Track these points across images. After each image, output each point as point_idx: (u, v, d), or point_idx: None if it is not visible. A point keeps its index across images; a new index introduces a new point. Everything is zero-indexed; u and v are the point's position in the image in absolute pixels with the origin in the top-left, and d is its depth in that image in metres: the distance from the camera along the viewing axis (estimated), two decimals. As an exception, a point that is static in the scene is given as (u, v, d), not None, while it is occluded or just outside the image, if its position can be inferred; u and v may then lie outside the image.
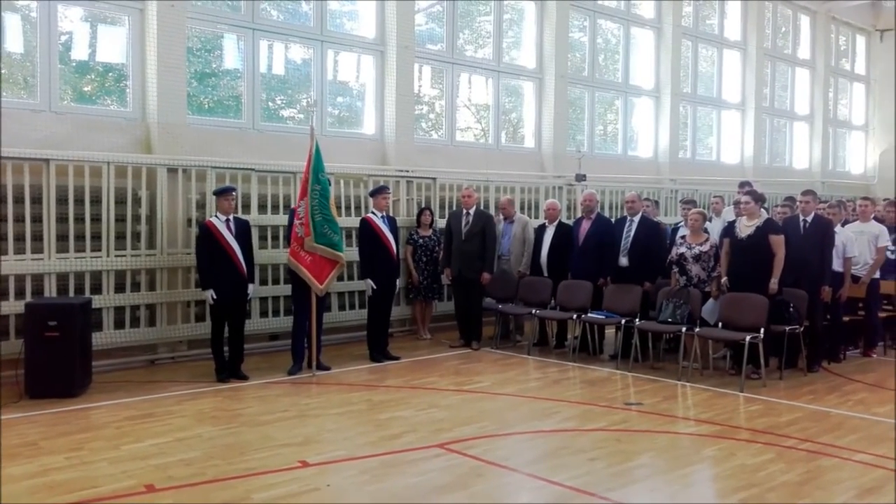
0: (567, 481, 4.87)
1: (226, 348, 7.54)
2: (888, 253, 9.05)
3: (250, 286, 7.64)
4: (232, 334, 7.54)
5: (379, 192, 8.59)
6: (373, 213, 8.51)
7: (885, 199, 10.99)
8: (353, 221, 9.05)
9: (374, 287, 8.35)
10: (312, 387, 7.37)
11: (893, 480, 4.94)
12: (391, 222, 8.58)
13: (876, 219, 9.29)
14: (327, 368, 7.92)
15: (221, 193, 7.51)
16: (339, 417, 6.28)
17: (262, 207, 8.80)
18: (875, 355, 9.06)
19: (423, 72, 11.64)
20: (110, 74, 8.87)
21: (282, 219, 8.66)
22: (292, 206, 8.38)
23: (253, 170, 8.72)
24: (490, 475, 5.03)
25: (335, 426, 6.04)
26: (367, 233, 8.42)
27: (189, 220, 8.30)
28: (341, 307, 9.40)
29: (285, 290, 8.54)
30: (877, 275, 8.91)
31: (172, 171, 8.20)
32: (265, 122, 9.74)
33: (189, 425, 5.97)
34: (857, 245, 8.63)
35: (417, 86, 11.38)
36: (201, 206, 8.36)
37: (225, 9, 9.47)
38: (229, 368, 7.49)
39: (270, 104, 10.28)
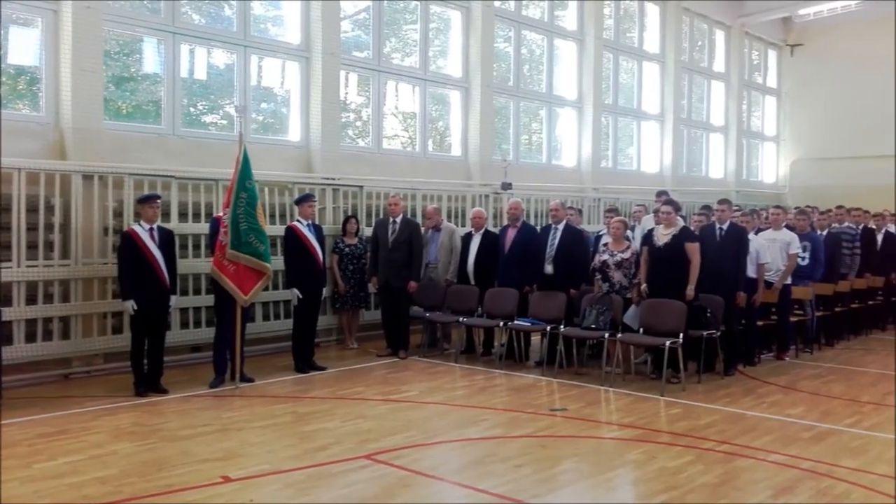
0: (493, 489, 4.89)
1: (144, 361, 7.31)
2: (799, 259, 9.44)
3: (173, 297, 7.44)
4: (152, 346, 7.31)
5: (304, 199, 8.48)
6: (298, 221, 8.40)
7: (795, 208, 11.48)
8: (278, 230, 8.91)
9: (300, 296, 8.24)
10: (235, 399, 7.21)
11: (810, 481, 5.15)
12: (317, 231, 8.49)
13: (787, 226, 9.67)
14: (251, 380, 7.76)
15: (146, 201, 7.29)
16: (263, 430, 6.16)
17: (182, 216, 8.58)
18: (787, 358, 9.43)
19: (350, 79, 11.59)
20: (22, 77, 8.52)
21: (204, 227, 8.46)
22: (214, 214, 8.20)
23: (173, 177, 8.50)
24: (417, 485, 5.01)
25: (259, 439, 5.92)
26: (292, 241, 8.31)
27: (105, 229, 8.03)
28: (265, 317, 9.23)
29: (207, 300, 8.34)
30: (788, 280, 9.28)
31: (88, 177, 7.92)
32: (186, 128, 9.51)
33: (105, 442, 5.76)
34: (769, 252, 8.97)
35: (344, 93, 11.31)
36: (118, 214, 8.10)
37: (144, 11, 9.22)
38: (148, 382, 7.26)
39: (192, 109, 10.05)
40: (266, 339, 9.22)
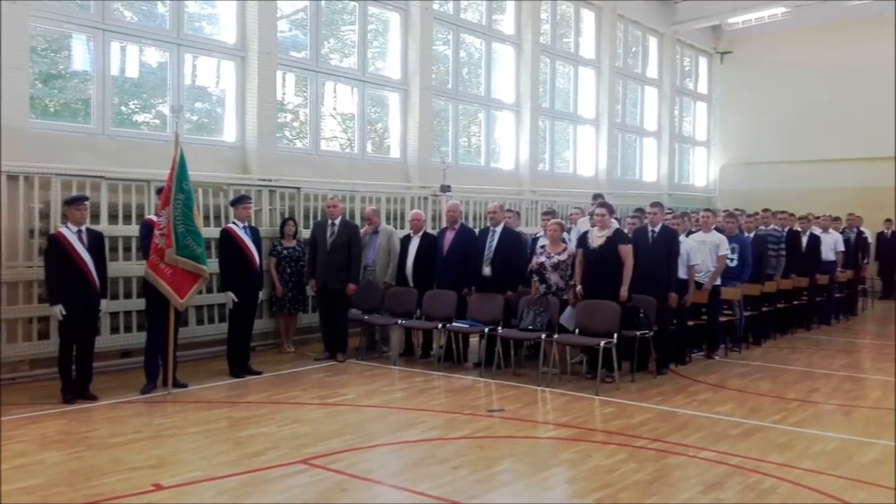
0: (431, 491, 4.90)
1: (73, 367, 7.08)
2: (727, 261, 9.72)
3: (103, 301, 7.24)
4: (81, 352, 7.09)
5: (240, 201, 8.36)
6: (234, 223, 8.27)
7: (724, 211, 11.81)
8: (214, 232, 8.74)
9: (236, 300, 8.11)
10: (168, 405, 7.05)
11: (739, 476, 5.30)
12: (253, 233, 8.37)
13: (717, 229, 9.93)
14: (184, 385, 7.61)
15: (73, 203, 7.07)
16: (197, 436, 6.05)
17: (112, 217, 8.36)
18: (717, 357, 9.69)
19: (287, 79, 11.47)
20: (-60, 73, 8.18)
21: (135, 229, 8.25)
22: (146, 216, 8.01)
23: (103, 177, 8.28)
24: (354, 489, 4.99)
25: (192, 446, 5.81)
26: (227, 244, 8.17)
27: (31, 232, 7.76)
28: (199, 321, 9.06)
29: (138, 304, 8.14)
30: (718, 281, 9.54)
31: (13, 178, 7.65)
32: (117, 128, 9.27)
33: (31, 450, 5.57)
34: (699, 254, 9.21)
35: (281, 93, 11.19)
36: (45, 215, 7.85)
37: (73, 8, 8.94)
38: (77, 388, 7.04)
39: (123, 109, 9.81)
40: (200, 344, 9.04)
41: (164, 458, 5.48)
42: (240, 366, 8.26)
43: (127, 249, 8.42)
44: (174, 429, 6.27)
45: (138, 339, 8.13)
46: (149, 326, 7.64)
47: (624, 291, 7.95)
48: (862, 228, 15.56)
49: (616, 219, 8.72)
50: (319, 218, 9.94)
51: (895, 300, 17.21)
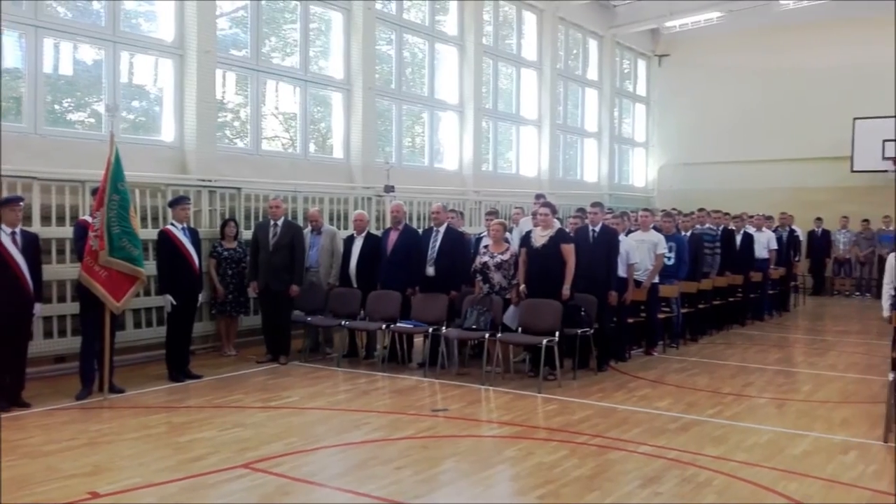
0: (375, 492, 4.90)
1: (5, 374, 6.85)
2: (665, 259, 9.94)
3: (37, 305, 7.02)
4: (13, 358, 6.84)
5: (178, 202, 8.21)
6: (172, 224, 8.12)
7: (662, 211, 12.08)
8: (151, 234, 8.57)
9: (174, 303, 7.96)
10: (104, 411, 6.88)
11: (676, 470, 5.43)
12: (192, 234, 8.23)
13: (655, 228, 10.15)
14: (121, 391, 7.44)
15: (7, 203, 6.83)
16: (135, 442, 5.92)
17: (45, 219, 8.12)
18: (656, 353, 9.91)
19: (227, 78, 11.30)
20: None
21: (68, 231, 8.03)
22: (79, 217, 7.80)
23: (35, 178, 8.03)
24: (297, 492, 4.95)
25: (130, 452, 5.68)
26: (166, 246, 8.02)
27: (-42, 234, 7.48)
28: (137, 324, 8.86)
29: (73, 308, 7.92)
30: (656, 279, 9.75)
31: (-62, 178, 7.38)
32: (50, 127, 9.01)
33: (-42, 461, 5.38)
34: (638, 252, 9.40)
35: (221, 92, 11.02)
36: (-27, 217, 7.57)
37: (4, 3, 8.59)
38: (9, 395, 6.80)
39: (57, 107, 9.54)
40: (137, 348, 8.85)
41: (101, 466, 5.35)
42: (179, 370, 8.11)
43: (60, 252, 8.18)
44: (111, 435, 6.12)
45: (73, 343, 7.90)
46: (83, 330, 7.45)
47: (566, 290, 8.06)
48: (793, 227, 16.08)
49: (558, 219, 8.84)
50: (261, 219, 9.83)
51: (826, 296, 17.86)
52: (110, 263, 7.11)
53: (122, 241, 7.17)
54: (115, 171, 7.18)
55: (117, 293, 7.19)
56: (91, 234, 7.11)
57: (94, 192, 7.38)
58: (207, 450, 5.73)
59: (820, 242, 17.95)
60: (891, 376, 6.37)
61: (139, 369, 8.44)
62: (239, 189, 10.13)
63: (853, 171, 17.99)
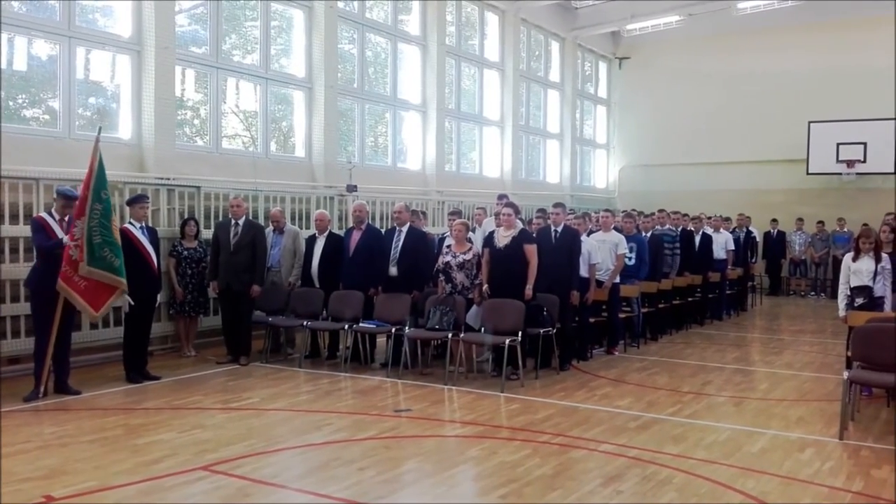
0: (337, 493, 4.87)
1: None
2: (626, 260, 10.04)
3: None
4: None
5: (136, 201, 8.08)
6: (130, 223, 7.98)
7: (623, 211, 12.20)
8: (108, 232, 8.40)
9: (132, 303, 7.81)
10: (59, 414, 6.72)
11: (637, 468, 5.48)
12: (151, 233, 8.10)
13: (616, 229, 10.26)
14: (77, 393, 7.28)
15: None
16: (91, 445, 5.80)
17: (-2, 217, 7.93)
18: (617, 353, 10.00)
19: (187, 75, 11.13)
20: None
21: (23, 230, 7.84)
22: (34, 214, 7.62)
23: (-13, 175, 7.83)
24: (257, 494, 4.89)
25: (86, 455, 5.56)
26: (124, 245, 7.82)
27: None
28: (94, 325, 8.67)
29: (26, 308, 7.73)
30: (617, 279, 9.85)
31: None
32: (4, 123, 8.73)
33: None
34: (600, 253, 9.48)
35: (180, 89, 10.85)
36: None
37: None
38: (-42, 399, 6.65)
39: (11, 103, 9.30)
40: (94, 349, 8.67)
41: (56, 469, 5.23)
42: (137, 371, 7.97)
43: (14, 251, 8.00)
44: (67, 438, 5.99)
45: (27, 344, 7.73)
46: (37, 331, 7.27)
47: (529, 290, 8.10)
48: (750, 228, 16.39)
49: (521, 219, 8.88)
50: (221, 218, 9.70)
51: (782, 296, 18.21)
52: (91, 274, 7.04)
53: (103, 250, 7.09)
54: (98, 178, 7.08)
55: (96, 302, 7.13)
56: (71, 243, 6.98)
57: (60, 193, 7.24)
58: (166, 452, 5.63)
59: (776, 243, 18.31)
60: (845, 375, 6.50)
61: (96, 370, 8.28)
62: (198, 188, 9.99)
63: (808, 174, 18.39)
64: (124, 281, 7.27)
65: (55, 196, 7.38)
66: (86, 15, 9.74)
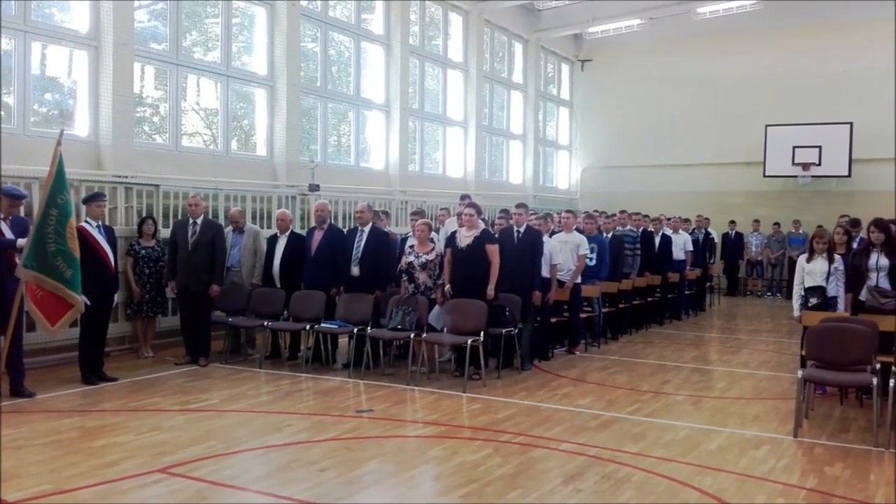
0: (297, 495, 4.83)
1: None
2: (587, 260, 10.13)
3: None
4: None
5: (93, 199, 7.93)
6: (87, 222, 7.83)
7: (584, 212, 12.30)
8: (63, 231, 8.22)
9: (88, 303, 7.63)
10: (12, 416, 6.55)
11: (597, 467, 5.53)
12: (108, 232, 7.95)
13: (577, 229, 10.34)
14: (31, 395, 7.12)
15: None
16: (45, 448, 5.68)
17: (-52, 215, 7.71)
18: (578, 352, 10.08)
19: (146, 72, 10.96)
20: None
21: (-26, 228, 7.64)
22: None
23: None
24: (215, 496, 4.83)
25: (39, 458, 5.44)
26: (80, 244, 7.69)
27: None
28: (49, 325, 8.50)
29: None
30: (578, 280, 9.93)
31: None
32: (-47, 118, 8.57)
33: None
34: (561, 253, 9.54)
35: (139, 86, 10.69)
36: None
37: None
38: None
39: (-39, 98, 9.07)
40: (49, 350, 8.48)
41: (9, 472, 5.09)
42: (93, 372, 7.82)
43: (-36, 250, 7.78)
44: (20, 440, 5.84)
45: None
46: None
47: (491, 290, 8.13)
48: (709, 230, 16.64)
49: (483, 219, 8.90)
50: (180, 217, 9.57)
51: (739, 296, 18.53)
52: (42, 282, 6.54)
53: (56, 259, 6.56)
54: (57, 182, 6.58)
55: (52, 318, 6.63)
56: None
57: (3, 191, 7.04)
58: (122, 455, 5.54)
59: (733, 244, 18.62)
60: (800, 373, 6.64)
61: (50, 372, 8.10)
62: (157, 186, 9.85)
63: (765, 176, 18.75)
64: (79, 298, 6.76)
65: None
66: (42, 9, 9.55)
